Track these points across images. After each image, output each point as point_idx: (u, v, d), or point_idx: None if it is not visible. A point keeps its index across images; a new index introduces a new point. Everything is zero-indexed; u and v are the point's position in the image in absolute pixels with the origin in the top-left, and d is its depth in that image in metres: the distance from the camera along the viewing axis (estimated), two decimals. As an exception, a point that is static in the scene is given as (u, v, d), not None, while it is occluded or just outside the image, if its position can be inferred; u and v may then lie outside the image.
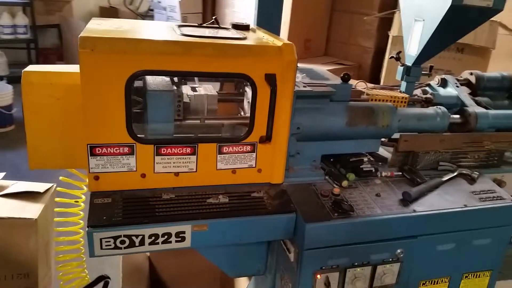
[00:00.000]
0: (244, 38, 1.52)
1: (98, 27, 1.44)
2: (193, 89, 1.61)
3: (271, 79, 1.42)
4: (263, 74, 1.42)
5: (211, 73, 1.43)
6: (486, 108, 1.95)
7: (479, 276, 1.73)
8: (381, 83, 3.65)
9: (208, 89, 1.63)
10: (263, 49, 1.44)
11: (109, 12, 7.50)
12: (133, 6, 7.82)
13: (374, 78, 4.80)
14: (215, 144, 1.48)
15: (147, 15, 7.64)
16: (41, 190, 2.00)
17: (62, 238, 1.58)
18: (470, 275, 1.72)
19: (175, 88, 1.54)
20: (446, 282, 1.69)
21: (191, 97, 1.55)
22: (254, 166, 1.54)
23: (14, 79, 5.07)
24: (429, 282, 1.67)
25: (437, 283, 1.69)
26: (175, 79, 1.62)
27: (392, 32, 3.51)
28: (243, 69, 1.41)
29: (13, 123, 5.15)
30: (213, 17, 1.79)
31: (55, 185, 2.05)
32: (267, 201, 1.51)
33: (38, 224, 1.84)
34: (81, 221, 1.60)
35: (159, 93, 1.41)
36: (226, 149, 1.49)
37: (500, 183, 1.88)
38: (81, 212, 1.60)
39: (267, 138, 1.49)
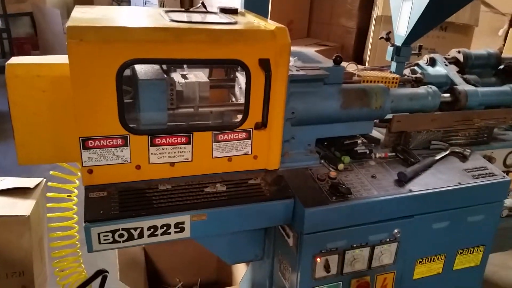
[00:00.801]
0: (235, 23, 1.49)
1: (84, 15, 1.39)
2: (184, 76, 1.57)
3: (265, 64, 1.39)
4: (257, 59, 1.39)
5: (204, 60, 1.40)
6: (475, 86, 1.97)
7: (473, 252, 1.77)
8: (366, 63, 3.65)
9: (199, 76, 1.60)
10: (256, 33, 1.41)
11: (83, -2, 7.27)
12: (108, -9, 7.61)
13: (357, 58, 4.81)
14: (210, 132, 1.45)
15: (124, 0, 7.44)
16: (31, 186, 1.94)
17: (57, 233, 1.55)
18: (464, 251, 1.75)
19: (166, 76, 1.50)
20: (442, 259, 1.73)
21: (182, 85, 1.52)
22: (250, 153, 1.53)
23: (-12, 71, 4.88)
24: (425, 260, 1.70)
25: (433, 261, 1.72)
26: (164, 66, 1.58)
27: (376, 12, 3.51)
28: (237, 55, 1.38)
29: (-12, 117, 4.98)
30: (201, 1, 1.74)
31: (44, 180, 2.00)
32: (265, 187, 1.50)
33: (30, 220, 1.79)
34: (75, 216, 1.57)
35: (151, 81, 1.37)
36: (221, 137, 1.47)
37: (490, 159, 1.91)
38: (75, 207, 1.57)
39: (262, 124, 1.47)
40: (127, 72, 1.49)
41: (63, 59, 1.45)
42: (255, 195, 1.47)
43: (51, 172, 1.52)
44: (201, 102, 1.55)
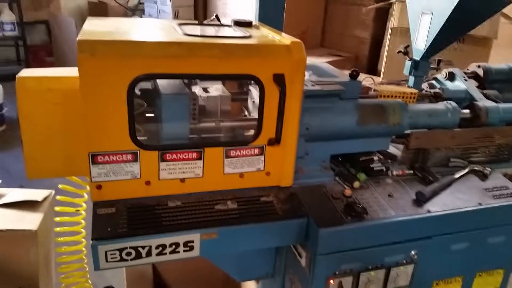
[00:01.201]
0: (249, 37, 1.46)
1: (95, 28, 1.37)
2: (205, 90, 1.55)
3: (279, 79, 1.36)
4: (271, 74, 1.35)
5: (217, 75, 1.37)
6: (495, 102, 1.90)
7: (492, 274, 1.70)
8: (381, 75, 3.60)
9: (220, 89, 1.57)
10: (270, 48, 1.37)
11: (98, 7, 7.33)
12: (122, 0, 7.67)
13: (371, 69, 4.76)
14: (222, 148, 1.41)
15: (137, 9, 7.50)
16: (39, 199, 1.91)
17: (64, 248, 1.52)
18: (483, 273, 1.68)
19: (187, 89, 1.48)
20: (459, 281, 1.66)
21: (204, 99, 1.49)
22: (262, 169, 1.49)
23: (3, 78, 4.93)
24: (442, 282, 1.64)
25: (450, 283, 1.65)
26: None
27: (392, 24, 3.46)
28: (251, 70, 1.34)
29: (4, 123, 5.02)
30: (214, 14, 1.72)
31: (53, 192, 1.97)
32: (277, 205, 1.46)
33: (38, 235, 1.76)
34: (83, 230, 1.54)
35: (174, 96, 1.36)
36: (233, 153, 1.43)
37: (511, 178, 1.84)
38: (83, 221, 1.54)
39: (276, 141, 1.43)
40: (148, 85, 1.49)
41: (74, 71, 1.43)
42: (267, 213, 1.42)
43: (59, 186, 1.50)
44: (222, 116, 1.53)
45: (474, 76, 2.10)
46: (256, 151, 1.45)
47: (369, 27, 4.69)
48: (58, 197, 1.50)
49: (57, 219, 1.50)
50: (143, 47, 1.25)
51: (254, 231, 1.40)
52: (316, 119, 1.53)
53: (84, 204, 1.53)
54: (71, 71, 1.42)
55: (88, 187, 1.53)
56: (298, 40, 1.40)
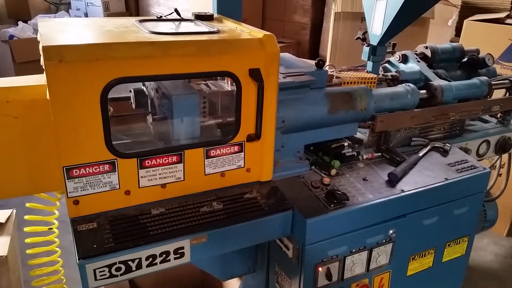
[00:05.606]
0: (218, 32, 1.42)
1: (55, 31, 1.26)
2: (206, 85, 1.52)
3: (256, 74, 1.34)
4: (247, 69, 1.33)
5: (193, 74, 1.32)
6: (447, 81, 2.02)
7: (459, 243, 1.82)
8: (327, 60, 3.68)
9: (219, 85, 1.55)
10: (244, 43, 1.35)
11: (17, 2, 6.79)
12: (45, -7, 7.14)
13: (313, 54, 4.84)
14: (202, 148, 1.38)
15: (62, 3, 7.03)
16: (2, 220, 1.75)
17: (39, 271, 1.41)
18: (452, 243, 1.80)
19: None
20: (432, 253, 1.76)
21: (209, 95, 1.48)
22: (242, 166, 1.47)
23: None
24: (417, 255, 1.73)
25: (424, 256, 1.75)
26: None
27: (335, 8, 3.53)
28: (226, 66, 1.31)
29: None
30: (174, 9, 1.65)
31: (14, 211, 1.81)
32: (262, 201, 1.45)
33: (8, 260, 1.61)
34: (58, 249, 1.44)
35: (185, 96, 1.36)
36: (213, 153, 1.40)
37: (466, 151, 1.97)
38: (57, 239, 1.44)
39: (256, 136, 1.41)
40: (139, 85, 1.52)
41: (34, 80, 1.32)
42: (254, 210, 1.41)
43: (27, 205, 1.38)
44: (224, 112, 1.51)
45: (423, 56, 2.20)
46: (236, 148, 1.43)
47: (308, 12, 4.76)
48: (26, 217, 1.38)
49: (28, 240, 1.38)
50: (114, 50, 1.17)
51: (243, 230, 1.38)
52: (291, 111, 1.53)
53: (55, 222, 1.43)
54: (30, 80, 1.32)
55: (58, 203, 1.44)
56: (270, 33, 1.39)
